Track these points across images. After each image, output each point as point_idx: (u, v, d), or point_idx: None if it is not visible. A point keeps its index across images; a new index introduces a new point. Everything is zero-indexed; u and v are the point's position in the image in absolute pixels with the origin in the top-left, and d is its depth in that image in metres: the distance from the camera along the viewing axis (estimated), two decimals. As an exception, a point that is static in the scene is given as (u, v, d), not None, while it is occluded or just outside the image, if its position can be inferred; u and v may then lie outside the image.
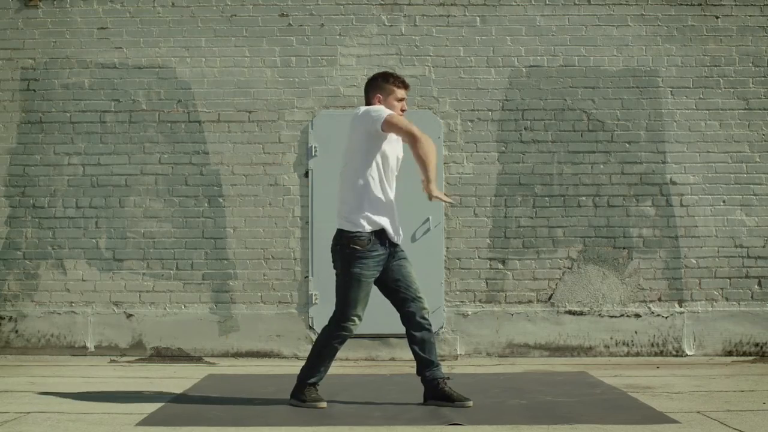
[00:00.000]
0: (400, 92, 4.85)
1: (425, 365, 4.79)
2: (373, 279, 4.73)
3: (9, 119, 7.25)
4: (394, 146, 4.79)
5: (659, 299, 7.12)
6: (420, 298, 4.79)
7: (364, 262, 4.66)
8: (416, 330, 4.78)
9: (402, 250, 4.84)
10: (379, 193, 4.67)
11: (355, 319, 4.72)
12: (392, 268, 4.76)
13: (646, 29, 7.27)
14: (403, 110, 4.85)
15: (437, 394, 4.77)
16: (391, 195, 4.76)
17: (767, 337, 7.08)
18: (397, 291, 4.77)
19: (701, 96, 7.24)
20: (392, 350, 7.03)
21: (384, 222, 4.67)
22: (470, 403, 4.71)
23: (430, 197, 4.55)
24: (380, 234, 4.69)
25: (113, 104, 7.23)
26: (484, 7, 7.28)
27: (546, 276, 7.14)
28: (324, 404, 4.73)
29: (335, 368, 6.18)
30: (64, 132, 7.23)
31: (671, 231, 7.16)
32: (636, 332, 7.08)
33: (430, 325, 4.83)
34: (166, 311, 7.10)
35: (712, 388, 5.44)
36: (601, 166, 7.20)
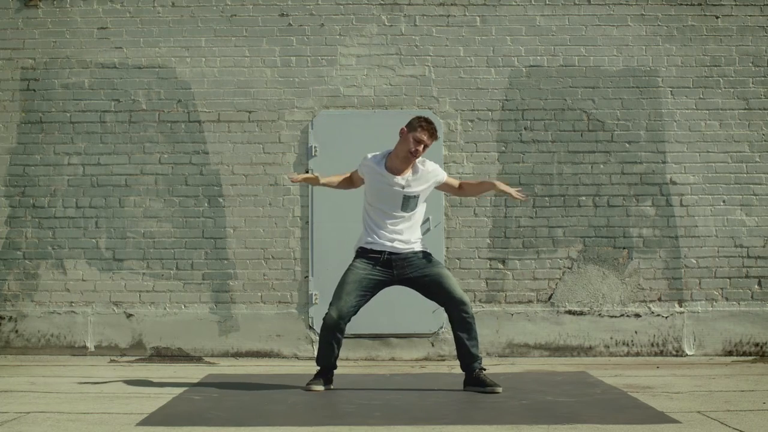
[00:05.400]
0: (421, 135, 5.18)
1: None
2: (361, 275, 5.22)
3: (9, 119, 7.25)
4: (377, 179, 5.28)
5: (659, 299, 7.12)
6: (453, 300, 5.25)
7: (356, 259, 5.36)
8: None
9: (424, 265, 5.28)
10: (369, 219, 5.34)
11: (330, 307, 5.24)
12: (419, 282, 5.29)
13: (646, 29, 7.27)
14: (412, 152, 5.18)
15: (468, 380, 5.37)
16: (385, 219, 5.27)
17: (767, 337, 7.08)
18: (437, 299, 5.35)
19: (701, 96, 7.25)
20: (392, 350, 7.03)
21: (365, 243, 5.31)
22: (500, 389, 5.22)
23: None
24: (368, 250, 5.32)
25: (113, 104, 7.24)
26: (484, 7, 7.28)
27: (546, 276, 7.14)
28: (319, 388, 5.29)
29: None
30: (64, 132, 7.23)
31: (671, 231, 7.16)
32: (636, 332, 7.08)
33: (465, 321, 5.30)
34: (166, 311, 7.10)
35: (712, 388, 5.44)
36: (601, 166, 7.20)
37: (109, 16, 7.28)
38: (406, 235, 5.25)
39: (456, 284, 5.27)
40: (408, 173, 5.26)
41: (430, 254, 5.34)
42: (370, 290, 5.24)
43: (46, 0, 7.30)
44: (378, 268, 5.22)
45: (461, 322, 5.24)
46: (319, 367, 5.35)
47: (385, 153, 5.33)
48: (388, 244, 5.21)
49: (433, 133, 5.20)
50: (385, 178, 5.23)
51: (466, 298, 5.25)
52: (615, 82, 7.24)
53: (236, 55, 7.25)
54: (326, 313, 5.21)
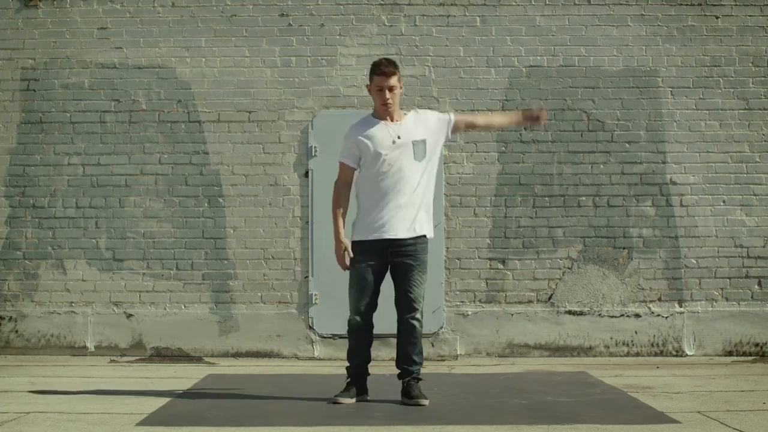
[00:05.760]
0: (379, 80, 4.80)
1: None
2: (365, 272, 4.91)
3: (9, 119, 7.25)
4: (373, 137, 4.85)
5: (659, 299, 7.12)
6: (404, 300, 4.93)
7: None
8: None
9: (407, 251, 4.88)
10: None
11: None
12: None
13: (646, 29, 7.27)
14: (384, 102, 4.81)
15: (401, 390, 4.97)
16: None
17: (767, 337, 7.07)
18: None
19: (701, 96, 7.24)
20: (392, 350, 6.97)
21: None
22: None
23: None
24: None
25: (113, 104, 7.23)
26: (484, 7, 7.27)
27: (546, 276, 7.14)
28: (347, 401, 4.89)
29: (335, 368, 6.19)
30: (64, 132, 7.22)
31: (671, 231, 7.16)
32: (636, 332, 7.08)
33: (408, 324, 4.94)
34: (166, 311, 7.10)
35: (712, 388, 5.44)
36: (601, 166, 7.20)
37: (109, 16, 7.28)
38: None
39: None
40: (401, 121, 4.87)
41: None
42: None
43: (46, 0, 7.30)
44: None
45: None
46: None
47: (365, 117, 4.97)
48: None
49: (387, 69, 4.77)
50: (380, 128, 4.82)
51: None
52: (615, 82, 7.23)
53: (236, 55, 7.25)
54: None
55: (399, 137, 4.82)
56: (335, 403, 4.81)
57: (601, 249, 7.16)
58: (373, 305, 4.91)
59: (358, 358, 4.97)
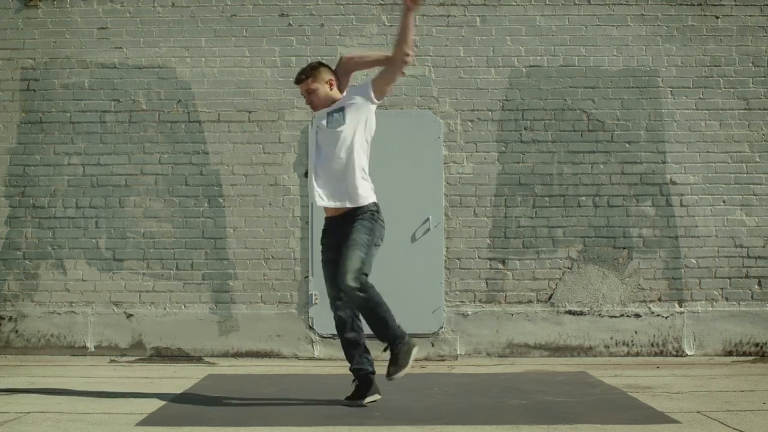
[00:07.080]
0: (300, 89, 4.95)
1: None
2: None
3: (9, 119, 7.25)
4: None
5: (659, 299, 7.12)
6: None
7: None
8: None
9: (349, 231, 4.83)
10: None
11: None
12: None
13: (646, 29, 7.27)
14: (309, 105, 4.93)
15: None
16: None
17: (767, 337, 7.08)
18: None
19: (701, 96, 7.24)
20: (392, 350, 7.01)
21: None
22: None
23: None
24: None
25: (113, 104, 7.24)
26: (484, 7, 7.28)
27: (546, 276, 7.14)
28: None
29: (335, 368, 6.19)
30: (64, 132, 7.23)
31: (671, 231, 7.16)
32: (636, 332, 7.08)
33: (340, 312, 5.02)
34: (166, 311, 7.10)
35: (712, 388, 5.44)
36: (601, 166, 7.20)
37: (109, 16, 7.28)
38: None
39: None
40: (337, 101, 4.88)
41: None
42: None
43: (46, 0, 7.30)
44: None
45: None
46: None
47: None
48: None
49: (298, 79, 4.89)
50: (319, 115, 4.90)
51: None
52: (615, 82, 7.24)
53: (236, 55, 7.25)
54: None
55: (327, 122, 4.84)
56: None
57: (601, 249, 7.16)
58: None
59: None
